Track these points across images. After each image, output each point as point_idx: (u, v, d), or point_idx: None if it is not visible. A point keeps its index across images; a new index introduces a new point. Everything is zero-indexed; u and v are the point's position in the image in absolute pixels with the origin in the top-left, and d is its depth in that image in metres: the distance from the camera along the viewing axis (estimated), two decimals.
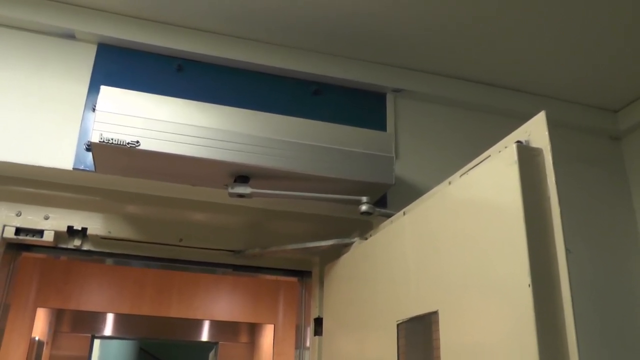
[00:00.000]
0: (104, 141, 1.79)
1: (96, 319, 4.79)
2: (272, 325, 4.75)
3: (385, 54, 2.42)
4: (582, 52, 2.37)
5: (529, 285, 1.15)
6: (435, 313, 1.47)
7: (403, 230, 1.77)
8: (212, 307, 4.66)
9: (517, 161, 1.25)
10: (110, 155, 1.87)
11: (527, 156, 1.27)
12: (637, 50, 2.34)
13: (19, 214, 2.12)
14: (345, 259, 2.18)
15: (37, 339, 4.14)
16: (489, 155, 1.43)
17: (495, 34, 2.28)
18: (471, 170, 1.47)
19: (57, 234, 2.17)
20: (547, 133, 1.27)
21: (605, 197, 2.67)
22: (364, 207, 2.05)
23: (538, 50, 2.36)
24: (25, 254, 2.27)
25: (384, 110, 2.46)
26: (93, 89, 2.10)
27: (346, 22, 2.23)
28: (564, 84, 2.60)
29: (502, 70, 2.52)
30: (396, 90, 2.49)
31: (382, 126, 2.42)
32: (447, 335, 1.42)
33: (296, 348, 2.61)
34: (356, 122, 2.19)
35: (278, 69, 2.35)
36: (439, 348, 1.43)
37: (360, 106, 2.43)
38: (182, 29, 2.27)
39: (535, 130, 1.31)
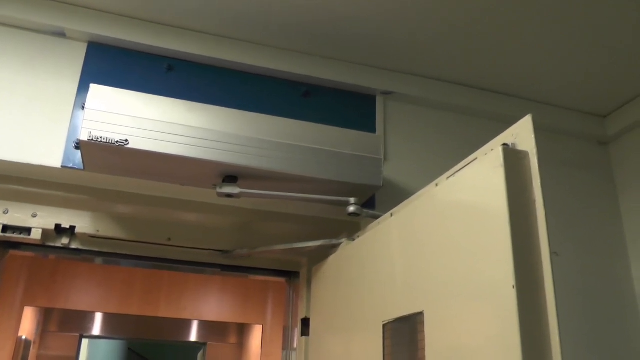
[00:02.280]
0: (92, 139, 1.79)
1: (84, 318, 4.78)
2: (261, 326, 4.75)
3: (375, 56, 2.43)
4: (571, 57, 2.38)
5: (514, 287, 1.16)
6: (421, 314, 1.48)
7: (390, 231, 1.78)
8: (201, 307, 4.67)
9: (503, 164, 1.26)
10: (99, 154, 1.87)
11: (513, 159, 1.28)
12: (625, 56, 2.36)
13: (6, 212, 2.11)
14: (333, 259, 2.19)
15: (24, 338, 4.12)
16: (476, 158, 1.44)
17: (485, 38, 2.29)
18: (458, 173, 1.48)
19: (45, 232, 2.16)
20: (533, 136, 1.28)
21: (593, 201, 2.69)
22: (351, 209, 2.06)
23: (527, 55, 2.38)
24: (12, 252, 2.26)
25: (373, 112, 2.47)
26: (83, 88, 2.10)
27: (337, 24, 2.23)
28: (552, 89, 2.62)
29: (491, 74, 2.53)
30: (386, 93, 2.50)
31: (371, 128, 2.43)
32: (432, 336, 1.43)
33: (283, 349, 2.62)
34: (345, 124, 2.20)
35: (268, 70, 2.35)
36: (424, 348, 1.44)
37: (349, 108, 2.44)
38: (172, 28, 2.27)
39: (522, 134, 1.32)
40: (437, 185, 1.59)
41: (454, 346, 1.35)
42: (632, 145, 2.71)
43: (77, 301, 4.32)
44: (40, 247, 2.23)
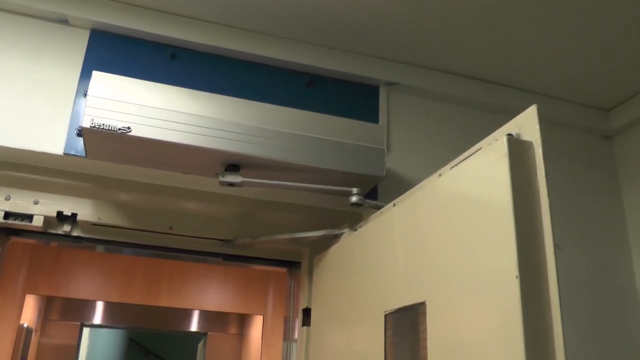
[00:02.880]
0: (95, 126, 1.78)
1: (86, 307, 4.79)
2: (261, 317, 4.75)
3: (379, 47, 2.42)
4: (575, 50, 2.37)
5: (517, 277, 1.15)
6: (423, 304, 1.48)
7: (392, 221, 1.77)
8: (202, 297, 4.67)
9: (507, 154, 1.25)
10: (101, 141, 1.86)
11: (518, 149, 1.27)
12: (630, 49, 2.35)
13: (8, 198, 2.11)
14: (335, 249, 2.18)
15: (25, 326, 4.13)
16: (480, 148, 1.43)
17: (490, 30, 2.28)
18: (462, 163, 1.47)
19: (47, 219, 2.16)
20: (538, 127, 1.28)
21: (596, 195, 2.68)
22: (354, 199, 2.05)
23: (532, 47, 2.36)
24: (14, 239, 2.27)
25: (376, 103, 2.46)
26: (85, 75, 2.09)
27: (341, 14, 2.22)
28: (557, 82, 2.61)
29: (496, 67, 2.52)
30: (389, 84, 2.49)
31: (374, 119, 2.42)
32: (434, 326, 1.42)
33: (284, 340, 2.61)
34: (349, 114, 2.19)
35: (272, 59, 2.34)
36: (425, 339, 1.44)
37: (353, 98, 2.43)
38: (176, 17, 2.26)
39: (527, 124, 1.31)
40: (440, 175, 1.59)
41: (456, 336, 1.34)
42: (636, 140, 2.70)
43: (78, 289, 4.33)
44: (41, 234, 2.23)
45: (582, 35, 2.29)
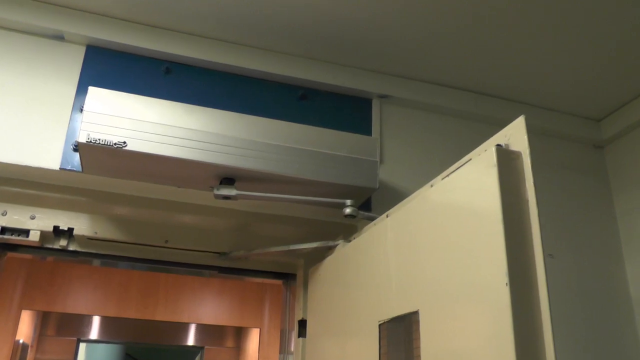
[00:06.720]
0: (91, 141, 1.80)
1: (82, 322, 4.78)
2: (258, 329, 4.75)
3: (372, 60, 2.44)
4: (566, 60, 2.40)
5: (507, 284, 1.17)
6: (416, 313, 1.49)
7: (385, 232, 1.79)
8: (198, 311, 4.66)
9: (496, 164, 1.28)
10: (97, 156, 1.88)
11: (506, 159, 1.30)
12: (620, 60, 2.38)
13: (4, 214, 2.12)
14: (329, 261, 2.20)
15: (21, 341, 4.12)
16: (470, 159, 1.45)
17: (481, 42, 2.31)
18: (452, 173, 1.49)
19: (43, 234, 2.18)
20: (526, 137, 1.30)
21: (589, 204, 2.71)
22: (348, 210, 2.07)
23: (523, 58, 2.40)
24: (10, 254, 2.28)
25: (369, 115, 2.49)
26: (81, 90, 2.12)
27: (333, 28, 2.25)
28: (548, 93, 2.64)
29: (487, 79, 2.55)
30: (382, 96, 2.52)
31: (367, 131, 2.44)
32: (427, 334, 1.44)
33: (280, 352, 2.62)
34: (342, 127, 2.22)
35: (265, 73, 2.37)
36: (419, 347, 1.45)
37: (346, 111, 2.46)
38: (170, 32, 2.29)
39: (515, 134, 1.34)
40: (432, 186, 1.61)
41: (448, 344, 1.36)
42: (627, 149, 2.73)
43: (75, 304, 4.32)
44: (38, 249, 2.24)
45: (572, 46, 2.32)
